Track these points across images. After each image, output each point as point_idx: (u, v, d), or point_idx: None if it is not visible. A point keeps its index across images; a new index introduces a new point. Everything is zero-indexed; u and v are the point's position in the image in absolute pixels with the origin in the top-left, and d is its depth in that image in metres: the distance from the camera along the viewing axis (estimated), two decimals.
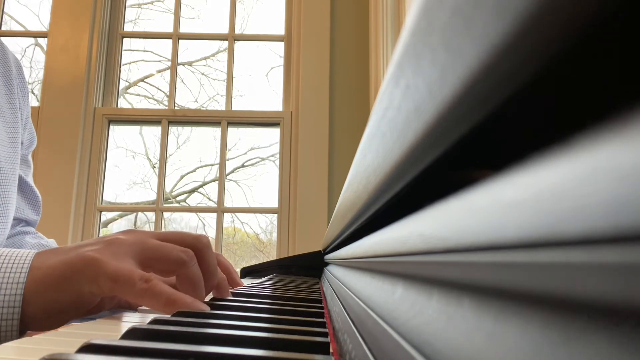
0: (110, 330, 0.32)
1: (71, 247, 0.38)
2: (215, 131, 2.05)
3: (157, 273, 0.39)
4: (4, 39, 2.10)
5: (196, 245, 0.42)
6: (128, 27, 2.12)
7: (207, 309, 0.37)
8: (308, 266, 1.11)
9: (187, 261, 0.39)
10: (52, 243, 0.72)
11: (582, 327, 0.06)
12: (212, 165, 2.11)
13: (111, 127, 2.00)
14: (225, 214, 1.96)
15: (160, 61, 2.16)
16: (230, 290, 0.49)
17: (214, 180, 2.09)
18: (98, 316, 0.55)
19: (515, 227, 0.07)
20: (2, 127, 0.62)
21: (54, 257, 0.37)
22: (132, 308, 0.49)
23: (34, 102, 2.04)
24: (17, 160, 0.65)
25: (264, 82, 2.11)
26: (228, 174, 2.04)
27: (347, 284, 0.37)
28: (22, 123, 0.67)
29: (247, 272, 1.14)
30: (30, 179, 0.72)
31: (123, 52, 2.08)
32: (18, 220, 0.71)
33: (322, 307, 0.43)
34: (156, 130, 2.03)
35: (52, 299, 0.36)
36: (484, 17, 0.07)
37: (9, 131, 0.64)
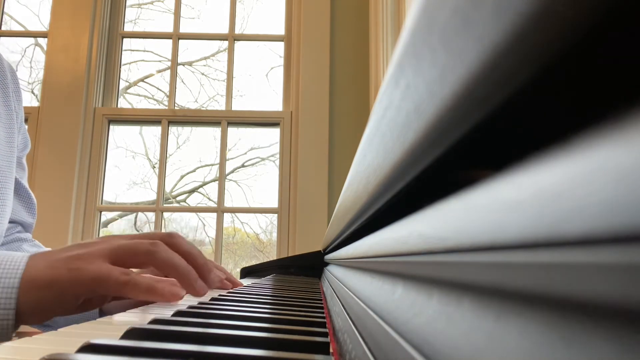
0: (110, 330, 0.32)
1: (57, 251, 0.43)
2: (215, 131, 2.05)
3: (133, 268, 0.43)
4: (4, 39, 2.10)
5: (164, 238, 0.45)
6: (128, 27, 2.12)
7: (182, 293, 0.42)
8: (308, 266, 1.11)
9: (153, 250, 0.43)
10: None
11: (582, 327, 0.06)
12: (212, 165, 2.11)
13: (111, 127, 2.00)
14: (225, 214, 1.96)
15: (160, 61, 2.16)
16: (230, 291, 0.50)
17: (214, 180, 2.09)
18: (96, 315, 0.56)
19: (515, 227, 0.07)
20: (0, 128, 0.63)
21: (41, 262, 0.41)
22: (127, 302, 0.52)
23: (34, 102, 2.04)
24: (14, 161, 0.66)
25: (264, 82, 2.11)
26: (228, 174, 2.04)
27: (347, 284, 0.37)
28: (17, 126, 0.69)
29: (247, 272, 1.14)
30: (25, 182, 0.72)
31: (123, 52, 2.08)
32: (14, 224, 0.71)
33: (322, 307, 0.43)
34: (156, 130, 2.03)
35: (39, 298, 0.40)
36: (484, 17, 0.07)
37: (6, 132, 0.65)
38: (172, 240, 0.45)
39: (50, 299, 0.40)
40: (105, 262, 0.41)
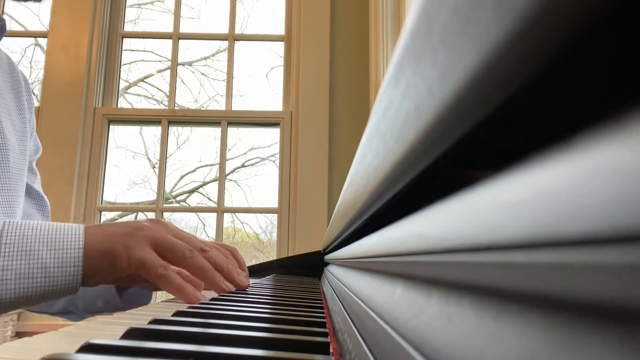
0: (111, 330, 0.32)
1: (111, 225, 0.50)
2: (215, 131, 2.04)
3: (167, 261, 0.50)
4: (4, 39, 2.10)
5: (201, 246, 0.53)
6: (128, 27, 2.12)
7: (202, 299, 0.48)
8: (308, 266, 1.11)
9: (189, 256, 0.51)
10: None
11: (582, 327, 0.06)
12: (212, 165, 2.11)
13: (111, 127, 2.00)
14: (225, 214, 1.96)
15: (160, 61, 2.16)
16: (230, 291, 0.53)
17: (214, 180, 2.09)
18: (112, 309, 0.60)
19: (515, 227, 0.07)
20: (13, 134, 0.65)
21: (98, 232, 0.48)
22: (150, 290, 0.61)
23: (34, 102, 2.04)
24: (26, 167, 0.67)
25: (264, 82, 2.11)
26: (228, 174, 2.04)
27: (347, 284, 0.37)
28: (29, 133, 0.70)
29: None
30: (37, 186, 0.74)
31: (123, 52, 2.08)
32: None
33: (322, 307, 0.43)
34: (156, 130, 2.03)
35: (95, 263, 0.47)
36: (484, 17, 0.07)
37: (19, 141, 0.66)
38: (204, 254, 0.53)
39: (103, 266, 0.47)
40: (151, 248, 0.49)
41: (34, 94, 2.06)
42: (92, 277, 0.48)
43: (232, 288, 0.54)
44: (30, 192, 0.71)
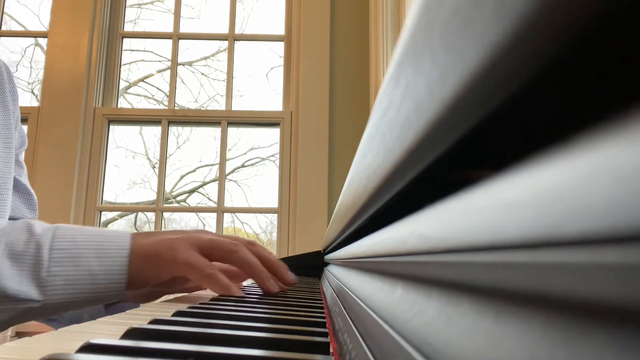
0: (111, 330, 0.32)
1: (158, 232, 0.53)
2: (215, 131, 2.04)
3: (216, 260, 0.51)
4: (4, 39, 2.10)
5: (246, 243, 0.54)
6: (128, 27, 2.12)
7: (276, 289, 0.51)
8: (308, 266, 1.11)
9: (235, 250, 0.51)
10: None
11: (582, 327, 0.06)
12: (212, 165, 2.11)
13: (111, 127, 2.00)
14: (225, 214, 1.96)
15: (160, 61, 2.16)
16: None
17: (214, 180, 2.09)
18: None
19: (515, 227, 0.07)
20: None
21: (145, 238, 0.51)
22: (140, 302, 0.62)
23: (34, 102, 2.04)
24: (12, 161, 0.66)
25: (264, 82, 2.11)
26: (228, 174, 2.04)
27: (347, 284, 0.37)
28: (14, 125, 0.68)
29: None
30: (24, 179, 0.72)
31: (123, 52, 2.08)
32: (14, 221, 0.71)
33: (322, 307, 0.43)
34: (156, 130, 2.03)
35: (141, 267, 0.49)
36: (484, 17, 0.07)
37: (3, 133, 0.65)
38: (251, 247, 0.54)
39: (149, 269, 0.49)
40: (196, 251, 0.50)
41: (33, 93, 2.06)
42: (136, 282, 0.49)
43: (275, 289, 0.53)
44: (17, 186, 0.70)
